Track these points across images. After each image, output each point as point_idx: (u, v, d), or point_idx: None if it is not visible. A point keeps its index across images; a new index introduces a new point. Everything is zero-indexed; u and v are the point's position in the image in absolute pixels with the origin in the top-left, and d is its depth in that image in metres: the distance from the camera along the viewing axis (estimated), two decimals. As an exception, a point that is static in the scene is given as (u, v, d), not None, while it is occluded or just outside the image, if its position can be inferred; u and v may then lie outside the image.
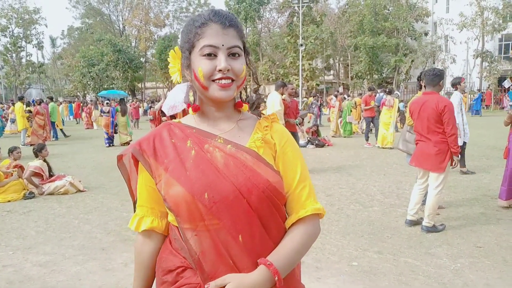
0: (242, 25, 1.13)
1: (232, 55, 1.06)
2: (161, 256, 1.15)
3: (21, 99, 14.37)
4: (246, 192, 1.02)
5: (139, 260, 1.19)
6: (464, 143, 6.51)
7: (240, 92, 1.15)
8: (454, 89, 6.60)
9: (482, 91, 29.71)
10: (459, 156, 4.16)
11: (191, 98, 1.15)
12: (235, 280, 0.99)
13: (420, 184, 4.44)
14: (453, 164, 4.13)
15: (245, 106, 1.18)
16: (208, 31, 1.05)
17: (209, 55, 1.04)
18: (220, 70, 1.04)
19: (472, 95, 31.81)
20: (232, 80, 1.06)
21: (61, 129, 16.32)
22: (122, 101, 13.90)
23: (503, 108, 26.48)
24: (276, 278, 1.00)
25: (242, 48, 1.09)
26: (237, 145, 1.09)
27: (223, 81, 1.05)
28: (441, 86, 4.27)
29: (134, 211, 1.20)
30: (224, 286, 0.99)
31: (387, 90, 11.63)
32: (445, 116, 4.03)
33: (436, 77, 4.23)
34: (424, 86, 4.50)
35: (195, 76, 1.07)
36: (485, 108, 29.47)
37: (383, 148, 10.79)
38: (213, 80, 1.05)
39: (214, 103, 1.11)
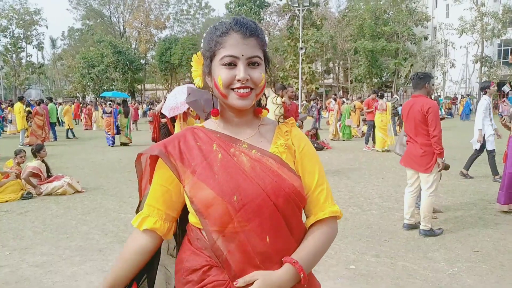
0: (263, 33, 1.15)
1: (251, 64, 1.08)
2: (182, 257, 1.14)
3: (20, 99, 14.37)
4: (273, 195, 1.07)
5: (127, 253, 1.18)
6: (489, 150, 6.54)
7: (260, 99, 1.18)
8: (483, 93, 6.59)
9: (461, 94, 29.86)
10: (444, 158, 4.19)
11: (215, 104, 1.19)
12: (262, 277, 1.04)
13: (410, 186, 4.49)
14: (441, 166, 4.13)
15: (265, 112, 1.21)
16: (229, 41, 1.08)
17: (229, 64, 1.08)
18: (239, 80, 1.07)
19: (471, 100, 31.92)
20: (251, 89, 1.09)
21: (71, 129, 16.47)
22: (125, 103, 14.16)
23: (500, 113, 26.49)
24: (302, 275, 1.06)
25: (263, 57, 1.12)
26: (261, 150, 1.14)
27: (242, 90, 1.08)
28: (427, 88, 4.34)
29: (138, 210, 1.22)
30: (252, 283, 1.03)
31: (379, 94, 11.66)
32: (429, 117, 4.11)
33: (420, 80, 4.33)
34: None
35: (215, 84, 1.10)
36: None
37: (382, 151, 10.81)
38: (232, 89, 1.08)
39: (234, 110, 1.14)
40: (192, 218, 1.13)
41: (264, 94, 1.17)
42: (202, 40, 1.17)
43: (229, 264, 1.05)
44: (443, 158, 4.16)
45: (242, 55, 1.07)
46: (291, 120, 1.25)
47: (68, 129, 16.53)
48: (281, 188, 1.08)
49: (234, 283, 1.04)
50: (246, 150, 1.12)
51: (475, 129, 7.04)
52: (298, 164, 1.16)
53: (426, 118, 4.12)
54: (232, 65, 1.07)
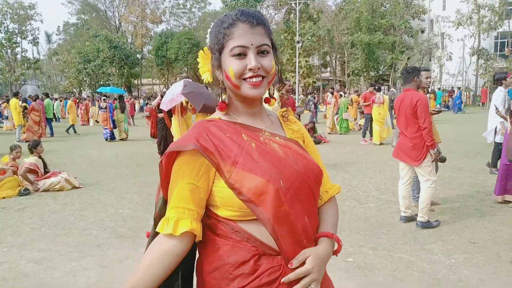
0: (268, 22, 1.15)
1: (261, 52, 1.09)
2: (220, 254, 1.09)
3: (16, 95, 14.29)
4: (306, 177, 1.13)
5: (164, 262, 1.05)
6: (498, 142, 6.39)
7: (269, 89, 1.19)
8: (498, 84, 6.52)
9: (457, 87, 29.93)
10: (436, 150, 4.23)
11: (222, 97, 1.18)
12: (312, 253, 1.11)
13: (402, 178, 4.54)
14: (432, 157, 4.18)
15: (273, 101, 1.24)
16: (236, 32, 1.08)
17: (239, 55, 1.08)
18: (250, 69, 1.07)
19: (467, 93, 31.98)
20: (263, 77, 1.10)
21: (73, 125, 16.46)
22: (121, 98, 14.32)
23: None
24: (337, 245, 1.18)
25: (270, 45, 1.13)
26: (284, 137, 1.20)
27: (254, 79, 1.09)
28: (416, 82, 4.40)
29: (158, 213, 1.13)
30: (304, 262, 1.09)
31: (376, 87, 11.66)
32: (418, 110, 4.17)
33: (409, 75, 4.40)
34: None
35: (226, 76, 1.10)
36: (481, 105, 29.64)
37: (379, 145, 10.84)
38: (244, 79, 1.09)
39: (246, 101, 1.15)
40: (225, 212, 1.09)
41: (273, 84, 1.18)
42: (208, 35, 1.18)
43: (282, 248, 1.08)
44: (435, 149, 4.20)
45: (252, 44, 1.08)
46: (291, 111, 1.30)
47: (71, 125, 16.52)
48: (311, 170, 1.16)
49: (289, 265, 1.08)
50: (271, 137, 1.16)
51: (489, 122, 6.94)
52: (306, 148, 1.26)
53: (415, 110, 4.18)
54: (242, 55, 1.08)
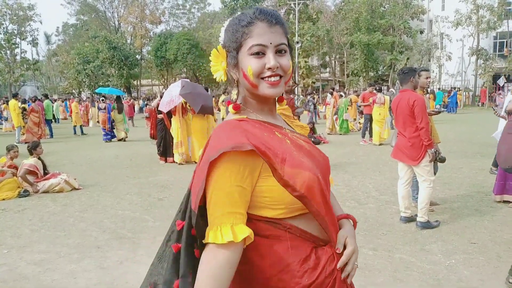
0: (285, 22, 1.15)
1: (279, 52, 1.09)
2: (281, 254, 1.06)
3: (15, 96, 14.28)
4: (326, 168, 1.21)
5: (229, 275, 0.99)
6: None
7: None
8: None
9: (459, 87, 30.01)
10: (435, 150, 4.29)
11: (234, 97, 1.17)
12: (348, 234, 1.17)
13: (401, 178, 4.55)
14: (430, 157, 4.19)
15: (284, 101, 1.26)
16: (255, 30, 1.07)
17: (257, 53, 1.07)
18: (269, 68, 1.07)
19: (467, 93, 32.00)
20: (280, 77, 1.10)
21: (77, 126, 16.48)
22: (118, 99, 14.42)
23: (496, 106, 26.66)
24: (352, 222, 1.26)
25: (287, 44, 1.13)
26: (299, 134, 1.25)
27: (273, 79, 1.08)
28: (413, 82, 4.42)
29: (195, 220, 1.02)
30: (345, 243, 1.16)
31: (377, 88, 11.67)
32: (415, 110, 4.19)
33: (406, 75, 4.42)
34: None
35: (244, 74, 1.09)
36: (481, 105, 29.66)
37: (379, 145, 10.84)
38: (262, 78, 1.09)
39: (262, 100, 1.15)
40: (270, 212, 1.06)
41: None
42: (223, 33, 1.16)
43: (332, 237, 1.14)
44: (433, 149, 4.21)
45: (270, 43, 1.07)
46: (289, 109, 1.36)
47: (75, 126, 16.54)
48: (327, 161, 1.25)
49: (337, 250, 1.13)
50: (293, 133, 1.21)
51: (500, 123, 6.97)
52: None
53: (413, 111, 4.20)
54: (260, 54, 1.07)
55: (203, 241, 1.01)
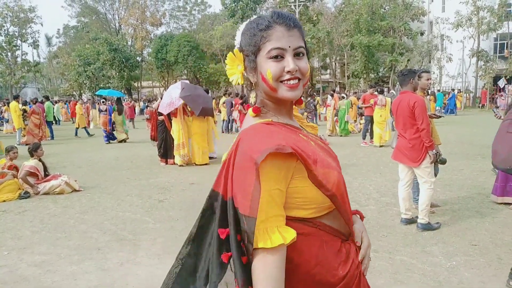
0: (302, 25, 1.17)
1: (296, 55, 1.10)
2: (317, 250, 1.09)
3: (16, 98, 14.30)
4: (340, 168, 1.24)
5: (283, 275, 1.01)
6: None
7: None
8: None
9: (458, 89, 30.03)
10: (436, 151, 4.30)
11: (253, 100, 1.17)
12: (362, 228, 1.26)
13: (402, 179, 4.54)
14: (431, 158, 4.19)
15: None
16: (274, 34, 1.09)
17: (276, 57, 1.08)
18: (288, 72, 1.08)
19: (467, 94, 32.00)
20: (299, 79, 1.11)
21: (82, 127, 16.47)
22: (119, 101, 14.50)
23: (497, 107, 26.65)
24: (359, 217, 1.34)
25: (305, 47, 1.14)
26: (313, 135, 1.29)
27: (292, 82, 1.10)
28: (413, 84, 4.42)
29: (250, 224, 0.99)
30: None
31: (379, 89, 11.67)
32: (416, 111, 4.19)
33: (405, 77, 4.42)
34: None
35: (263, 78, 1.10)
36: (481, 107, 29.65)
37: (380, 147, 10.84)
38: (281, 81, 1.10)
39: (280, 102, 1.16)
40: (301, 212, 1.08)
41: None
42: (239, 37, 1.17)
43: (352, 230, 1.21)
44: (434, 151, 4.21)
45: (289, 47, 1.09)
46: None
47: (81, 128, 16.53)
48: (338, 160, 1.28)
49: (357, 243, 1.20)
50: (310, 134, 1.26)
51: None
52: None
53: (413, 112, 4.20)
54: (279, 57, 1.09)
55: (251, 246, 0.99)
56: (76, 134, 16.30)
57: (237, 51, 1.16)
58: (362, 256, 1.18)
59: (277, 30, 1.09)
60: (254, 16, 1.16)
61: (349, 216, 1.17)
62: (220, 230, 1.04)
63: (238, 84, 1.19)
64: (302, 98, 1.23)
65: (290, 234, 1.01)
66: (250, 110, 1.16)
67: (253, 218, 0.98)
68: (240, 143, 1.06)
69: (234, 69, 1.18)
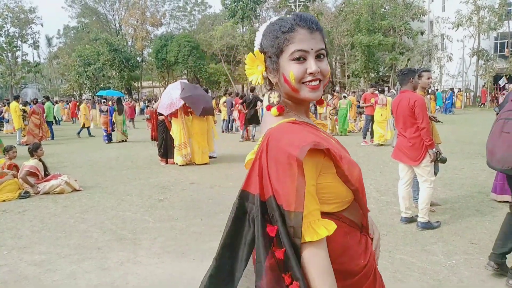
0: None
1: (318, 57, 1.14)
2: (341, 240, 1.14)
3: (16, 98, 14.31)
4: None
5: (330, 266, 1.07)
6: None
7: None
8: None
9: (458, 88, 30.03)
10: (436, 150, 4.30)
11: (275, 100, 1.18)
12: (371, 222, 1.35)
13: (402, 178, 4.54)
14: (431, 157, 4.19)
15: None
16: (297, 36, 1.12)
17: (298, 59, 1.12)
18: (311, 73, 1.12)
19: (467, 93, 31.97)
20: (320, 81, 1.15)
21: (88, 127, 16.45)
22: (119, 101, 14.55)
23: (498, 106, 26.60)
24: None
25: (325, 49, 1.19)
26: (325, 132, 1.34)
27: (314, 83, 1.13)
28: (412, 83, 4.43)
29: (297, 219, 1.02)
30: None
31: (379, 89, 11.67)
32: (416, 110, 4.19)
33: (405, 76, 4.43)
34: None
35: (285, 79, 1.14)
36: (481, 106, 29.63)
37: (380, 145, 10.84)
38: (303, 83, 1.13)
39: (301, 103, 1.21)
40: (326, 207, 1.12)
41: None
42: (261, 38, 1.19)
43: (366, 223, 1.29)
44: (434, 150, 4.21)
45: (312, 49, 1.12)
46: None
47: (83, 128, 16.43)
48: None
49: (370, 236, 1.30)
50: (326, 133, 1.31)
51: None
52: None
53: (413, 111, 4.19)
54: (301, 59, 1.12)
55: (299, 241, 1.03)
56: (78, 133, 16.09)
57: (257, 52, 1.19)
58: (375, 247, 1.29)
59: (299, 33, 1.12)
60: (275, 18, 1.18)
61: (366, 209, 1.24)
62: (269, 228, 1.05)
63: (258, 84, 1.21)
64: (322, 98, 1.25)
65: (332, 226, 1.07)
66: (274, 110, 1.18)
67: (299, 213, 1.02)
68: (271, 141, 1.08)
69: (253, 69, 1.21)
